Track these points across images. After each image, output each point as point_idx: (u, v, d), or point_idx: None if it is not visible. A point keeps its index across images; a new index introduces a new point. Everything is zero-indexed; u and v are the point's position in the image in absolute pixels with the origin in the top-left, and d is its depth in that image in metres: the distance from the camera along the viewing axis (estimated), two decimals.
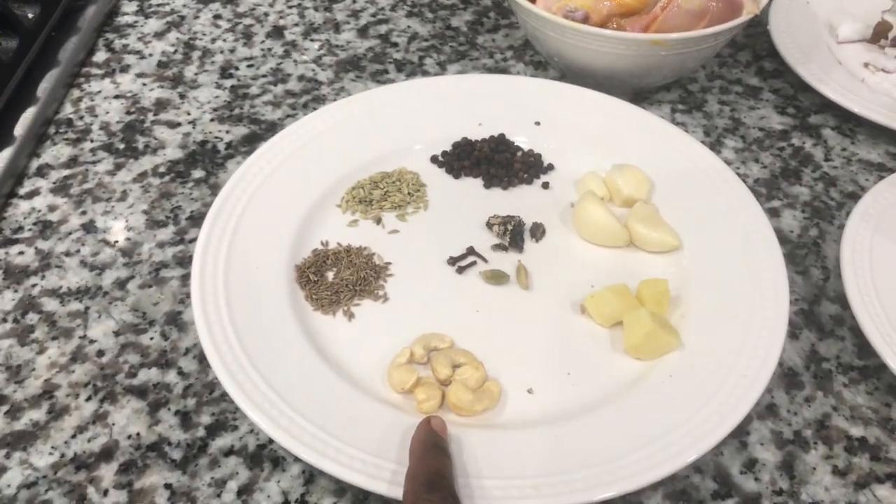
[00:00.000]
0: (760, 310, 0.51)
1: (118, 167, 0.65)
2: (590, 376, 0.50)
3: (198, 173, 0.64)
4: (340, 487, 0.46)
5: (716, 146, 0.68)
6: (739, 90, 0.74)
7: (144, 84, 0.73)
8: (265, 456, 0.47)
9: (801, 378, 0.52)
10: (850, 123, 0.70)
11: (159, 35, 0.79)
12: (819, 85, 0.70)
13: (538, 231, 0.58)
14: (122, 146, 0.67)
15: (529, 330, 0.52)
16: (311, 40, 0.78)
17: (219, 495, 0.45)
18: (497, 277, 0.55)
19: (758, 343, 0.49)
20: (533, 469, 0.44)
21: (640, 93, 0.72)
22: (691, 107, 0.72)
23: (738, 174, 0.60)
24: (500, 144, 0.64)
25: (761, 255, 0.54)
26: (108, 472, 0.46)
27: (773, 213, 0.62)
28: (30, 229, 0.60)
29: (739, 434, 0.49)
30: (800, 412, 0.50)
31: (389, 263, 0.57)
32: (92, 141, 0.67)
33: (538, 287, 0.55)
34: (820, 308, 0.56)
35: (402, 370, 0.48)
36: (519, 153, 0.64)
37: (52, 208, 0.62)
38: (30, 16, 0.73)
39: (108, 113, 0.70)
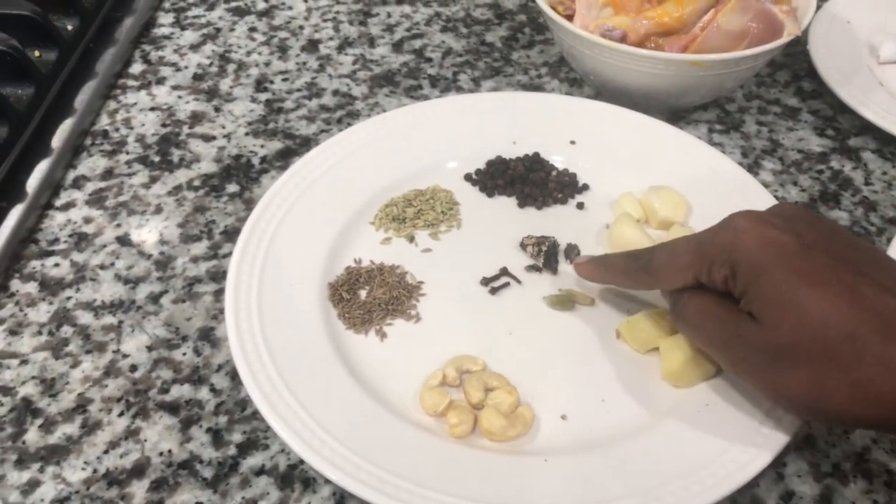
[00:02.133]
0: None
1: (153, 180, 0.65)
2: (625, 403, 0.49)
3: (232, 188, 0.65)
4: None
5: (754, 168, 0.67)
6: (777, 111, 0.73)
7: (180, 97, 0.73)
8: (296, 476, 0.47)
9: None
10: (891, 147, 0.69)
11: (195, 47, 0.79)
12: (859, 107, 0.69)
13: (573, 252, 0.58)
14: (157, 159, 0.67)
15: (563, 354, 0.52)
16: (346, 55, 0.78)
17: None
18: (562, 303, 0.54)
19: None
20: (566, 498, 0.43)
21: (676, 112, 0.71)
22: (729, 127, 0.71)
23: (777, 197, 0.60)
24: (534, 163, 0.63)
25: None
26: (139, 490, 0.46)
27: None
28: (65, 241, 0.60)
29: (776, 465, 0.48)
30: (838, 444, 0.49)
31: (422, 283, 0.56)
32: (127, 153, 0.68)
33: (573, 310, 0.54)
34: None
35: (435, 393, 0.48)
36: (553, 172, 0.63)
37: (87, 220, 0.62)
38: (69, 28, 0.74)
39: (143, 125, 0.70)
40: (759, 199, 0.58)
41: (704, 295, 0.44)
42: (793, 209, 0.44)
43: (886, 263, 0.41)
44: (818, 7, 0.68)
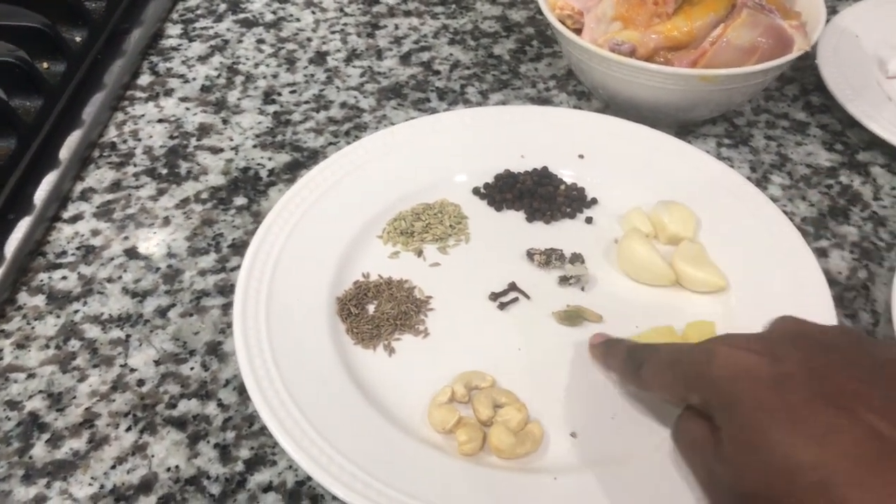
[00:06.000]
0: None
1: (161, 192, 0.65)
2: (635, 421, 0.49)
3: (240, 200, 0.65)
4: None
5: (762, 182, 0.67)
6: (786, 125, 0.73)
7: (188, 108, 0.73)
8: (304, 493, 0.47)
9: None
10: None
11: (203, 59, 0.79)
12: (868, 121, 0.68)
13: (577, 260, 0.58)
14: (164, 171, 0.67)
15: (572, 370, 0.52)
16: (354, 67, 0.78)
17: None
18: (571, 318, 0.54)
19: None
20: None
21: (684, 126, 0.71)
22: (737, 141, 0.71)
23: (785, 212, 0.59)
24: (543, 177, 0.63)
25: (810, 299, 0.53)
26: None
27: (820, 254, 0.61)
28: (73, 254, 0.60)
29: None
30: None
31: (430, 297, 0.56)
32: (135, 165, 0.68)
33: (581, 326, 0.54)
34: None
35: (444, 410, 0.48)
36: (562, 186, 0.63)
37: (95, 233, 0.62)
38: (77, 39, 0.74)
39: (151, 137, 0.70)
40: (768, 214, 0.58)
41: (692, 417, 0.40)
42: (784, 325, 0.41)
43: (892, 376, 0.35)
44: (826, 21, 0.68)
